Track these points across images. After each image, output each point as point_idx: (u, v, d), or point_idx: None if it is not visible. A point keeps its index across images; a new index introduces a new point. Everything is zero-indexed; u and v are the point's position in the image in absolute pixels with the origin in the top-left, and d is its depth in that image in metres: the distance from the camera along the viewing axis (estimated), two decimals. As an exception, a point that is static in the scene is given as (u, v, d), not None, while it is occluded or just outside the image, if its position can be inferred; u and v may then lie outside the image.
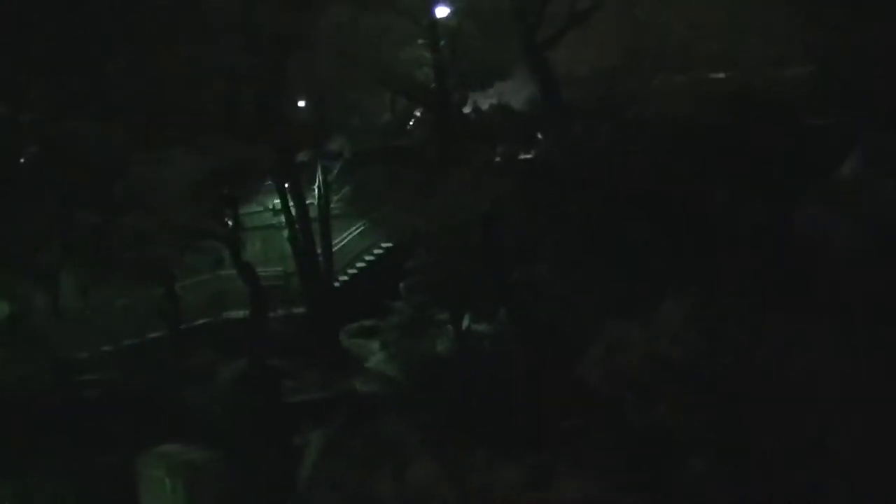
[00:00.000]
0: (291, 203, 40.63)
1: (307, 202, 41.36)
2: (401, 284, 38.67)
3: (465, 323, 37.22)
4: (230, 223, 39.38)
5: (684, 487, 27.17)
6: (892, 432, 24.59)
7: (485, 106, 37.88)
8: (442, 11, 36.59)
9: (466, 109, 38.11)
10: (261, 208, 42.79)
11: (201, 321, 41.90)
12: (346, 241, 44.07)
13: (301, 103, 40.71)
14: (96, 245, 36.52)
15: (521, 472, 29.42)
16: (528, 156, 37.48)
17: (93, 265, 37.39)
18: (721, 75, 34.81)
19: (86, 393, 37.67)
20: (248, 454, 34.45)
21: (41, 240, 36.37)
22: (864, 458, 24.75)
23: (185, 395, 36.55)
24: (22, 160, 37.75)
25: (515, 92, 37.81)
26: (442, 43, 36.76)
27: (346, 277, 43.89)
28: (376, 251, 44.18)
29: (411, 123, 39.41)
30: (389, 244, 42.87)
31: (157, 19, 35.72)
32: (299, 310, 41.29)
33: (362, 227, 43.57)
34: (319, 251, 41.71)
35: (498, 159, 36.96)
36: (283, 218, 41.32)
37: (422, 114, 38.87)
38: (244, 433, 35.16)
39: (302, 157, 41.39)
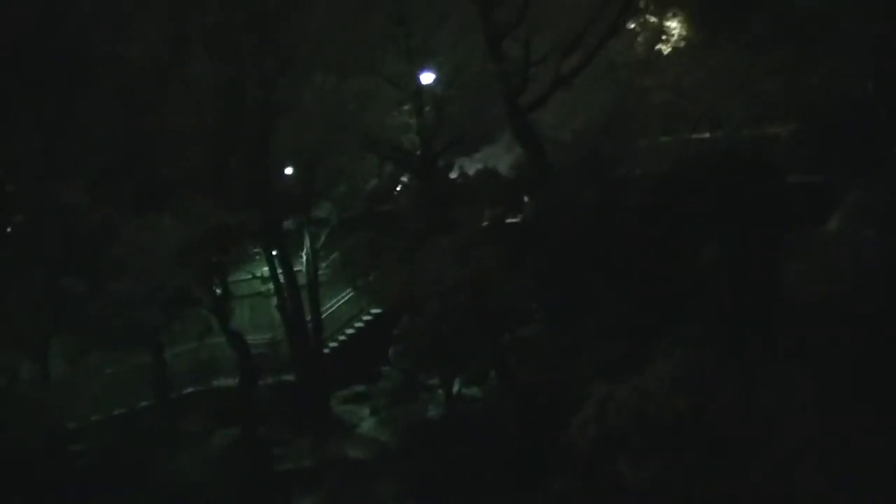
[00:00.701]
0: (279, 270, 40.67)
1: (295, 269, 41.40)
2: (390, 350, 38.46)
3: (456, 387, 37.37)
4: (218, 291, 39.35)
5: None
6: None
7: (471, 171, 38.43)
8: (427, 78, 37.47)
9: (453, 174, 38.65)
10: (249, 276, 42.70)
11: (190, 389, 41.67)
12: (335, 307, 43.98)
13: (288, 170, 41.19)
14: (84, 313, 36.35)
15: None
16: (515, 219, 37.77)
17: (81, 333, 36.99)
18: (705, 135, 35.27)
19: (76, 462, 37.38)
20: (239, 523, 34.17)
21: (28, 308, 35.56)
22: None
23: (175, 463, 36.20)
24: (8, 229, 37.73)
25: (501, 156, 38.59)
26: (427, 109, 37.81)
27: (335, 344, 43.74)
28: (365, 317, 44.10)
29: (398, 189, 39.73)
30: (378, 310, 42.79)
31: (142, 86, 36.17)
32: (289, 377, 41.24)
33: (351, 294, 43.40)
34: (308, 318, 41.65)
35: (485, 223, 37.15)
36: (271, 285, 41.36)
37: (408, 179, 39.19)
38: (235, 501, 34.88)
39: (289, 223, 41.78)
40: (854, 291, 27.53)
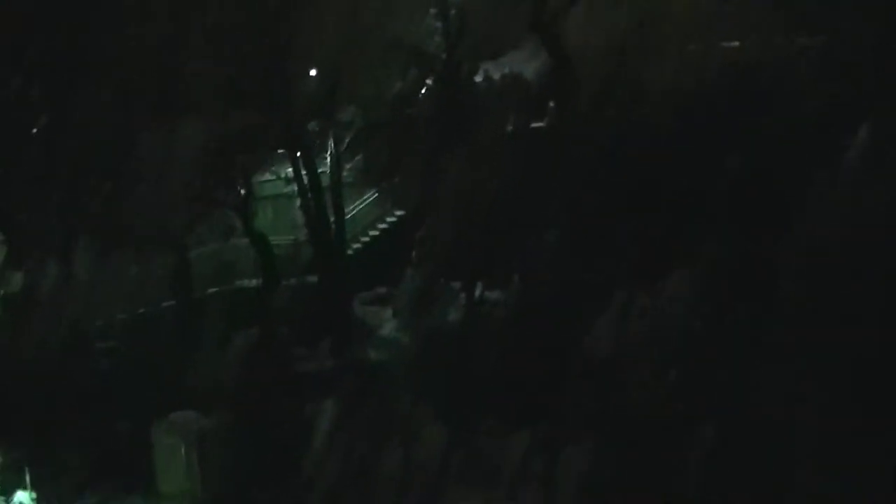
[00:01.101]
0: (303, 172, 40.56)
1: (319, 171, 41.23)
2: (413, 253, 38.63)
3: (478, 291, 37.32)
4: (241, 192, 39.90)
5: (694, 458, 27.48)
6: None
7: (496, 76, 38.24)
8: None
9: (477, 79, 38.64)
10: (272, 177, 42.82)
11: (213, 290, 42.23)
12: (358, 209, 44.02)
13: (312, 72, 40.83)
14: (107, 215, 37.48)
15: (531, 442, 29.80)
16: (540, 125, 37.66)
17: (104, 235, 38.04)
18: (734, 43, 34.82)
19: (99, 362, 38.44)
20: (259, 423, 34.85)
21: (53, 209, 37.15)
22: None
23: (196, 363, 36.99)
24: (34, 131, 38.14)
25: (527, 61, 38.01)
26: (452, 13, 37.52)
27: (358, 246, 43.87)
28: (389, 220, 44.19)
29: (422, 93, 39.55)
30: (401, 213, 42.96)
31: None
32: (311, 279, 41.30)
33: (374, 196, 43.58)
34: (332, 220, 41.29)
35: (509, 128, 37.13)
36: (294, 187, 41.25)
37: (432, 84, 39.04)
38: (255, 402, 35.56)
39: (313, 125, 41.40)
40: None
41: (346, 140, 41.61)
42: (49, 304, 37.06)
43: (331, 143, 41.44)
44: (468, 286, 37.44)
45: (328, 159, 41.76)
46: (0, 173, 37.13)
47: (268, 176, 42.83)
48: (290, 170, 41.14)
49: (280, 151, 41.52)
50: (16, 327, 37.31)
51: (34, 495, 33.79)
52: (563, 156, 34.95)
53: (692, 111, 31.71)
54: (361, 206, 44.03)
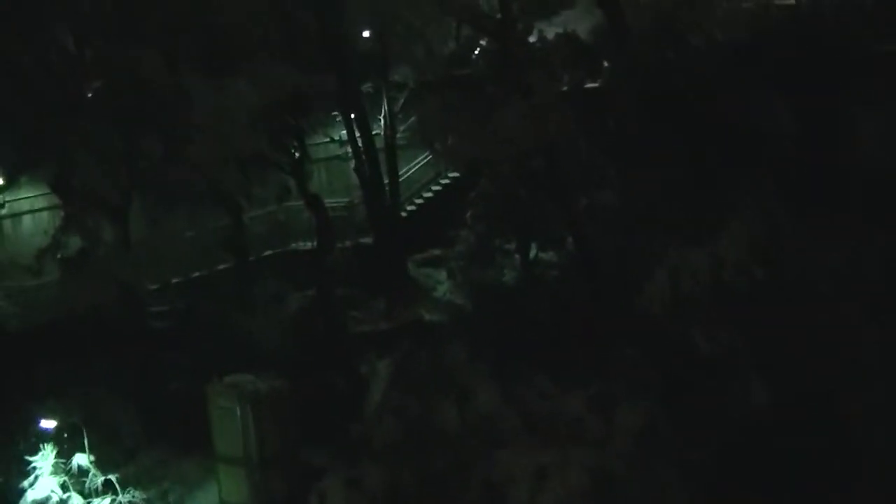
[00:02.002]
0: (357, 133, 41.07)
1: (373, 133, 41.87)
2: (467, 214, 38.97)
3: (532, 251, 37.91)
4: (296, 154, 39.76)
5: (747, 416, 27.63)
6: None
7: (550, 34, 37.78)
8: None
9: (531, 38, 38.06)
10: (327, 139, 43.43)
11: (268, 252, 42.77)
12: (412, 171, 44.47)
13: (365, 34, 41.56)
14: (163, 176, 37.82)
15: (585, 400, 30.13)
16: (594, 84, 37.68)
17: (160, 196, 38.85)
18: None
19: (155, 324, 39.15)
20: (315, 383, 35.26)
21: (108, 172, 37.19)
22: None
23: (252, 325, 37.34)
24: (88, 94, 38.41)
25: (580, 20, 37.92)
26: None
27: (413, 207, 44.37)
28: (443, 181, 44.48)
29: (476, 53, 39.62)
30: (456, 174, 43.18)
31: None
32: (366, 240, 42.03)
33: (428, 157, 43.84)
34: (386, 181, 42.19)
35: (563, 88, 37.13)
36: (349, 149, 42.00)
37: (486, 43, 39.03)
38: (311, 363, 36.09)
39: (367, 87, 42.19)
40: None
41: (400, 101, 42.39)
42: (105, 267, 37.04)
43: (384, 104, 42.33)
44: (522, 247, 37.99)
45: (382, 121, 42.64)
46: (56, 136, 36.92)
47: (322, 138, 43.31)
48: (344, 132, 41.86)
49: (334, 113, 42.27)
50: (73, 290, 37.34)
51: (92, 458, 34.24)
52: (616, 114, 35.30)
53: (747, 62, 31.67)
54: (415, 168, 44.50)
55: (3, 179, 40.56)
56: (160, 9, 37.09)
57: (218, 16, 37.01)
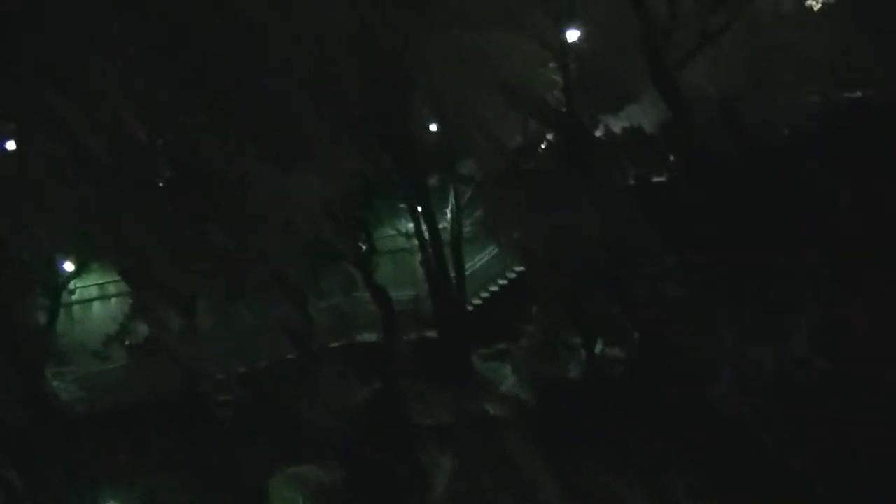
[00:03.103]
0: (424, 226, 41.36)
1: (440, 225, 42.03)
2: (533, 308, 39.30)
3: (598, 347, 37.90)
4: (363, 246, 40.53)
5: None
6: None
7: (616, 128, 39.12)
8: (572, 34, 37.91)
9: (598, 132, 39.51)
10: (393, 231, 43.45)
11: (334, 343, 42.33)
12: (478, 264, 44.20)
13: (433, 126, 42.16)
14: (229, 265, 38.08)
15: (648, 497, 30.01)
16: (661, 178, 38.27)
17: (226, 286, 39.05)
18: (857, 94, 35.03)
19: (219, 412, 39.41)
20: (378, 476, 35.51)
21: (177, 261, 37.86)
22: None
23: (316, 416, 37.61)
24: (160, 184, 39.76)
25: (647, 114, 38.87)
26: (572, 66, 38.01)
27: (479, 301, 43.96)
28: (509, 275, 44.04)
29: (542, 146, 40.22)
30: (521, 268, 42.98)
31: (275, 36, 37.27)
32: (431, 333, 41.88)
33: (495, 251, 43.62)
34: (452, 275, 42.25)
35: (631, 182, 37.77)
36: (415, 241, 42.09)
37: (553, 136, 39.77)
38: (375, 455, 36.28)
39: (434, 179, 42.46)
40: None
41: (467, 194, 42.52)
42: (172, 354, 38.28)
43: (451, 197, 42.55)
44: (587, 341, 38.00)
45: (449, 213, 42.76)
46: (127, 225, 37.80)
47: (389, 230, 43.43)
48: (411, 224, 42.04)
49: (401, 205, 42.44)
50: (139, 376, 38.60)
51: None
52: (681, 207, 35.57)
53: (811, 152, 31.91)
54: (482, 262, 44.25)
55: (75, 265, 41.11)
56: (230, 100, 37.96)
57: (286, 107, 37.74)
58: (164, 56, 38.57)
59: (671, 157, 38.79)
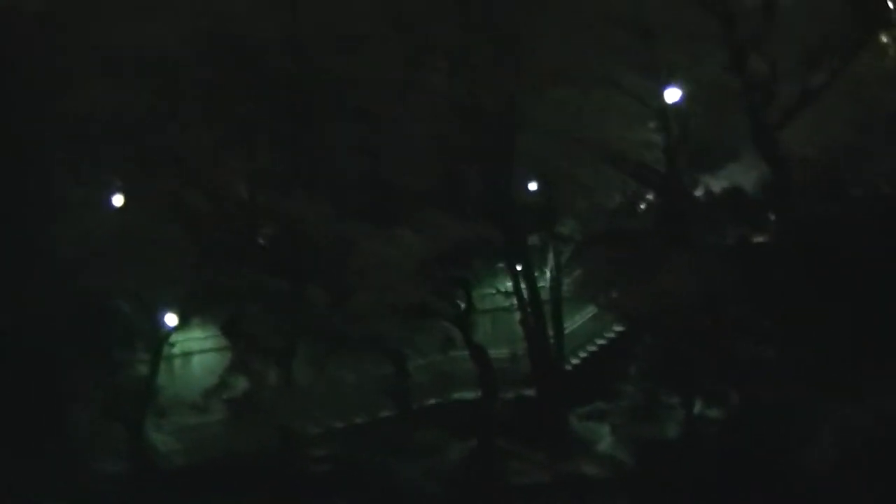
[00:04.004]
0: (523, 285, 41.82)
1: (539, 284, 42.51)
2: (631, 368, 39.76)
3: (697, 407, 37.95)
4: (461, 305, 41.13)
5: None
6: None
7: (716, 188, 39.43)
8: (671, 94, 38.27)
9: (697, 192, 39.83)
10: (492, 290, 44.38)
11: (431, 401, 43.85)
12: (577, 324, 45.04)
13: (532, 185, 42.76)
14: (327, 323, 38.28)
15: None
16: (761, 239, 38.41)
17: (324, 342, 39.51)
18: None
19: (315, 468, 39.90)
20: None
21: (276, 317, 38.43)
22: None
23: (412, 473, 38.17)
24: (259, 241, 40.69)
25: (746, 173, 39.11)
26: (671, 125, 38.54)
27: (577, 360, 44.78)
28: (608, 335, 44.90)
29: (641, 206, 40.87)
30: (621, 328, 43.63)
31: (377, 98, 38.14)
32: (529, 392, 42.27)
33: (594, 311, 44.34)
34: (551, 333, 42.80)
35: (730, 242, 37.97)
36: (514, 300, 42.58)
37: (652, 196, 40.49)
38: (469, 513, 36.69)
39: (533, 239, 43.13)
40: None
41: (566, 254, 43.41)
42: (269, 409, 38.21)
43: (550, 256, 43.46)
44: (686, 402, 38.13)
45: (548, 273, 43.60)
46: (227, 282, 38.46)
47: (488, 289, 44.29)
48: (510, 283, 42.65)
49: (500, 265, 43.22)
50: (237, 430, 39.24)
51: None
52: (780, 268, 35.40)
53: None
54: (581, 321, 45.00)
55: (177, 320, 42.03)
56: (328, 160, 38.94)
57: (385, 168, 38.52)
58: (266, 119, 39.79)
59: (771, 218, 38.76)
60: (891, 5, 37.33)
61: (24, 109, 38.08)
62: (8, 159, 38.22)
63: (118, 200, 41.71)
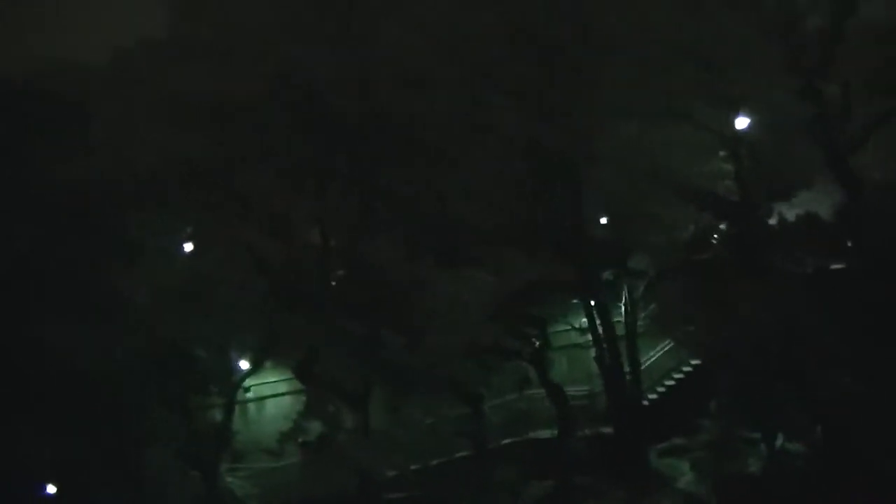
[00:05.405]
0: (598, 321, 42.08)
1: (613, 320, 42.74)
2: (711, 402, 39.42)
3: (779, 442, 37.80)
4: (536, 343, 41.60)
5: None
6: None
7: (790, 216, 39.46)
8: (741, 122, 38.56)
9: (771, 220, 39.81)
10: (567, 327, 44.47)
11: (507, 440, 43.96)
12: (653, 358, 44.97)
13: (602, 220, 43.04)
14: (402, 364, 38.92)
15: None
16: (839, 266, 38.59)
17: (399, 384, 39.92)
18: None
19: (392, 511, 41.18)
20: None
21: (350, 360, 39.36)
22: None
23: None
24: (332, 283, 41.53)
25: (822, 200, 39.19)
26: (743, 154, 38.73)
27: (654, 396, 45.02)
28: (685, 369, 45.05)
29: (715, 237, 41.10)
30: (697, 361, 43.56)
31: (446, 137, 38.92)
32: (606, 429, 42.47)
33: (670, 345, 44.31)
34: (627, 369, 42.92)
35: (808, 271, 38.16)
36: (589, 336, 42.84)
37: (725, 227, 40.65)
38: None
39: (607, 274, 42.97)
40: None
41: (640, 288, 43.43)
42: (344, 452, 39.14)
43: (624, 291, 43.49)
44: (768, 436, 37.96)
45: (622, 308, 43.69)
46: (300, 325, 39.59)
47: (562, 326, 44.45)
48: (584, 319, 42.89)
49: (573, 301, 43.54)
50: (312, 474, 39.88)
51: None
52: (863, 295, 35.47)
53: None
54: (657, 356, 44.91)
55: (250, 364, 42.91)
56: (398, 201, 40.02)
57: (455, 208, 39.28)
58: (335, 161, 41.07)
59: (848, 244, 39.00)
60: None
61: (94, 159, 39.49)
62: (82, 210, 39.81)
63: (189, 247, 43.01)
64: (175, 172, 39.87)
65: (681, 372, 44.98)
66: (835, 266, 38.90)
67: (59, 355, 37.97)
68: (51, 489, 40.29)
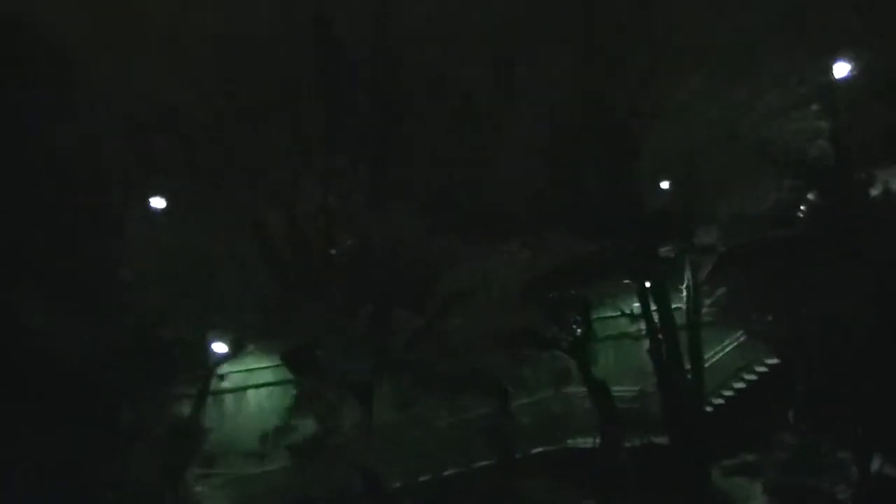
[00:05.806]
0: (653, 307, 38.60)
1: (673, 306, 39.11)
2: (790, 412, 36.21)
3: (875, 463, 34.36)
4: (578, 330, 39.30)
5: None
6: None
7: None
8: (839, 69, 35.46)
9: (874, 191, 36.24)
10: (616, 313, 41.01)
11: (538, 449, 41.31)
12: (720, 355, 41.69)
13: (663, 186, 39.35)
14: (416, 352, 36.65)
15: None
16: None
17: (412, 375, 36.76)
18: None
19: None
20: None
21: (355, 344, 35.92)
22: None
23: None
24: (334, 251, 38.46)
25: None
26: (839, 108, 35.75)
27: (720, 400, 41.70)
28: (759, 369, 41.84)
29: (801, 210, 37.22)
30: (774, 360, 40.37)
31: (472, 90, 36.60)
32: (660, 439, 39.07)
33: (741, 339, 40.98)
34: (687, 367, 38.97)
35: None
36: (642, 325, 39.27)
37: (815, 197, 36.75)
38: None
39: (666, 251, 39.31)
40: None
41: (707, 268, 39.27)
42: (341, 456, 35.81)
43: (687, 272, 39.28)
44: (861, 455, 34.61)
45: (684, 292, 39.50)
46: (296, 303, 36.29)
47: (610, 311, 40.99)
48: (638, 304, 39.25)
49: (625, 282, 39.67)
50: (302, 481, 36.21)
51: None
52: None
53: None
54: (724, 351, 41.46)
55: (229, 347, 39.67)
56: (420, 169, 37.50)
57: (487, 176, 37.04)
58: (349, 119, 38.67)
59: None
60: None
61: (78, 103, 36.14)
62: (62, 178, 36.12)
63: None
64: (165, 126, 37.17)
65: (753, 372, 42.25)
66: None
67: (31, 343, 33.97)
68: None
